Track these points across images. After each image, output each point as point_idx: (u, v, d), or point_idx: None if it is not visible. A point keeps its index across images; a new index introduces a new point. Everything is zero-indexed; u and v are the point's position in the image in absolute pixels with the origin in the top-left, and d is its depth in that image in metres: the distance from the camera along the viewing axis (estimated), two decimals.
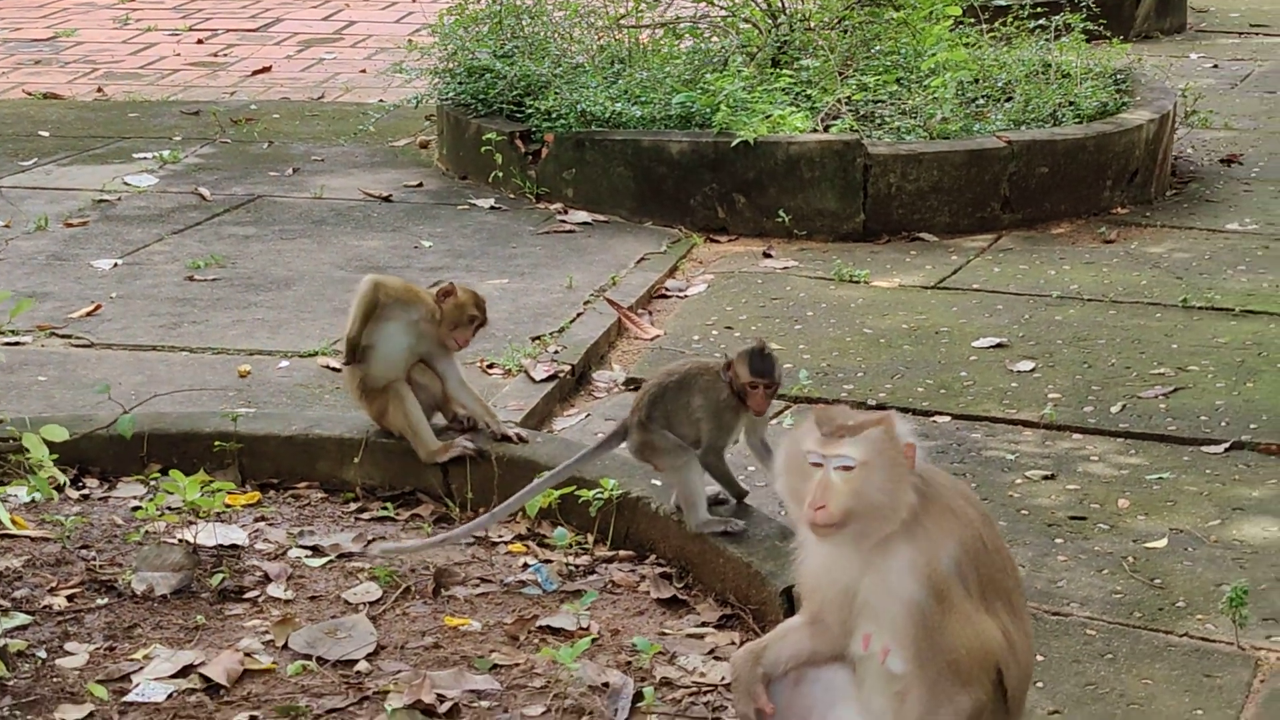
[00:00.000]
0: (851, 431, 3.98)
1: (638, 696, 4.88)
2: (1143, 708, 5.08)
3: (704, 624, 5.40)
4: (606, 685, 4.94)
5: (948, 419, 7.38)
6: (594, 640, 5.24)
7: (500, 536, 6.05)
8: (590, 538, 5.99)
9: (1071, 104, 10.94)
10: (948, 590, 3.94)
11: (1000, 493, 6.59)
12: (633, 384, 7.82)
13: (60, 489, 6.05)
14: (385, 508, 6.26)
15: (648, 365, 8.03)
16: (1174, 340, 8.29)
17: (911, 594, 3.92)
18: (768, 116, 10.30)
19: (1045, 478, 6.76)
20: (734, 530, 5.70)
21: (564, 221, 10.27)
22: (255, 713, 4.81)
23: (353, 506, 6.32)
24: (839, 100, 10.75)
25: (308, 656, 5.10)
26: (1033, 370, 7.91)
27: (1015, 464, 6.88)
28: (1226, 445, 7.06)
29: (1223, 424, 7.25)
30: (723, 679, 4.98)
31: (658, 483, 5.99)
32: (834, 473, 3.94)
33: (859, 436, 3.97)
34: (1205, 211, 10.72)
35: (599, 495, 5.90)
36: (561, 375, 7.68)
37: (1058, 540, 6.17)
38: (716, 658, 5.16)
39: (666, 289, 9.26)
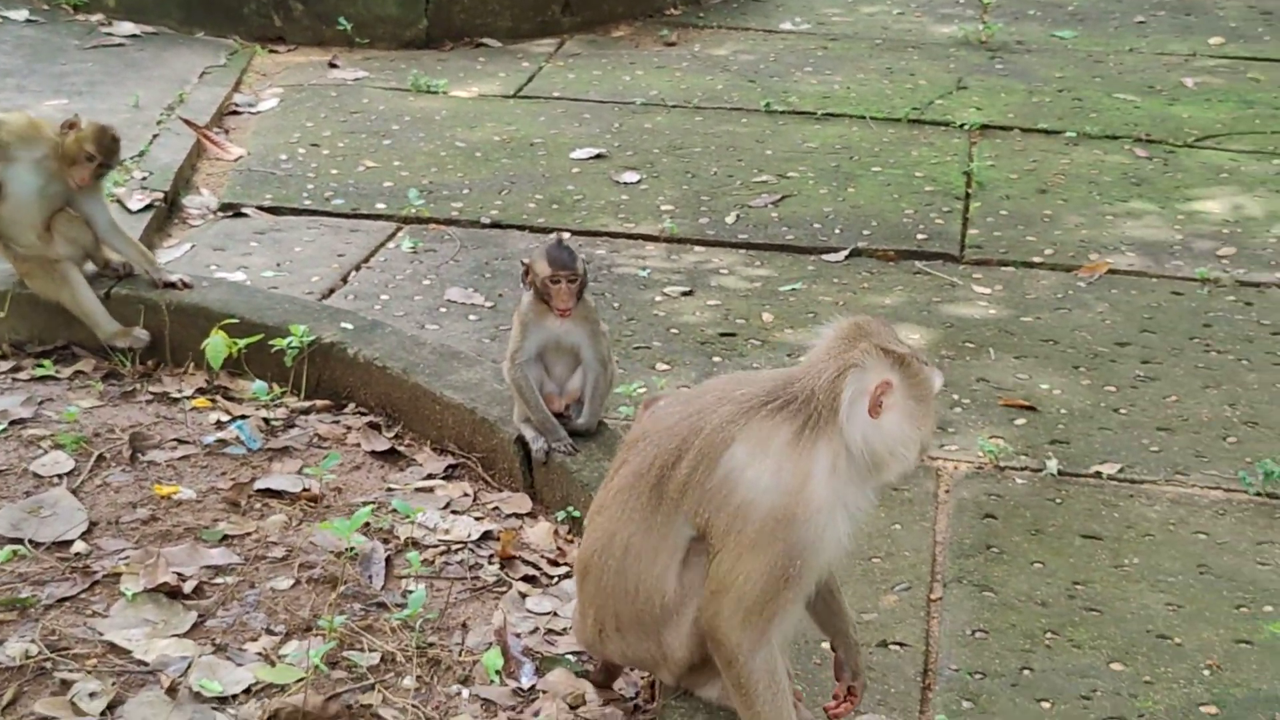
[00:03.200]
0: None
1: (387, 560, 4.67)
2: None
3: (430, 476, 5.18)
4: (352, 550, 4.70)
5: (568, 235, 7.30)
6: (317, 500, 4.99)
7: (180, 391, 5.66)
8: (278, 388, 5.67)
9: None
10: None
11: (646, 311, 6.58)
12: (229, 209, 7.46)
13: None
14: (42, 365, 5.77)
15: (239, 188, 7.68)
16: (766, 146, 8.40)
17: None
18: None
19: (684, 294, 6.78)
20: (538, 454, 5.00)
21: (110, 34, 9.67)
22: None
23: (5, 366, 5.81)
24: None
25: (16, 540, 4.66)
26: (639, 182, 7.90)
27: (650, 280, 6.87)
28: (846, 253, 7.23)
29: (836, 231, 7.41)
30: (469, 535, 4.83)
31: (348, 326, 5.72)
32: None
33: None
34: (755, 11, 10.88)
35: (292, 344, 5.55)
36: (156, 204, 7.25)
37: (715, 359, 6.21)
38: (454, 511, 4.97)
39: (237, 105, 8.84)
